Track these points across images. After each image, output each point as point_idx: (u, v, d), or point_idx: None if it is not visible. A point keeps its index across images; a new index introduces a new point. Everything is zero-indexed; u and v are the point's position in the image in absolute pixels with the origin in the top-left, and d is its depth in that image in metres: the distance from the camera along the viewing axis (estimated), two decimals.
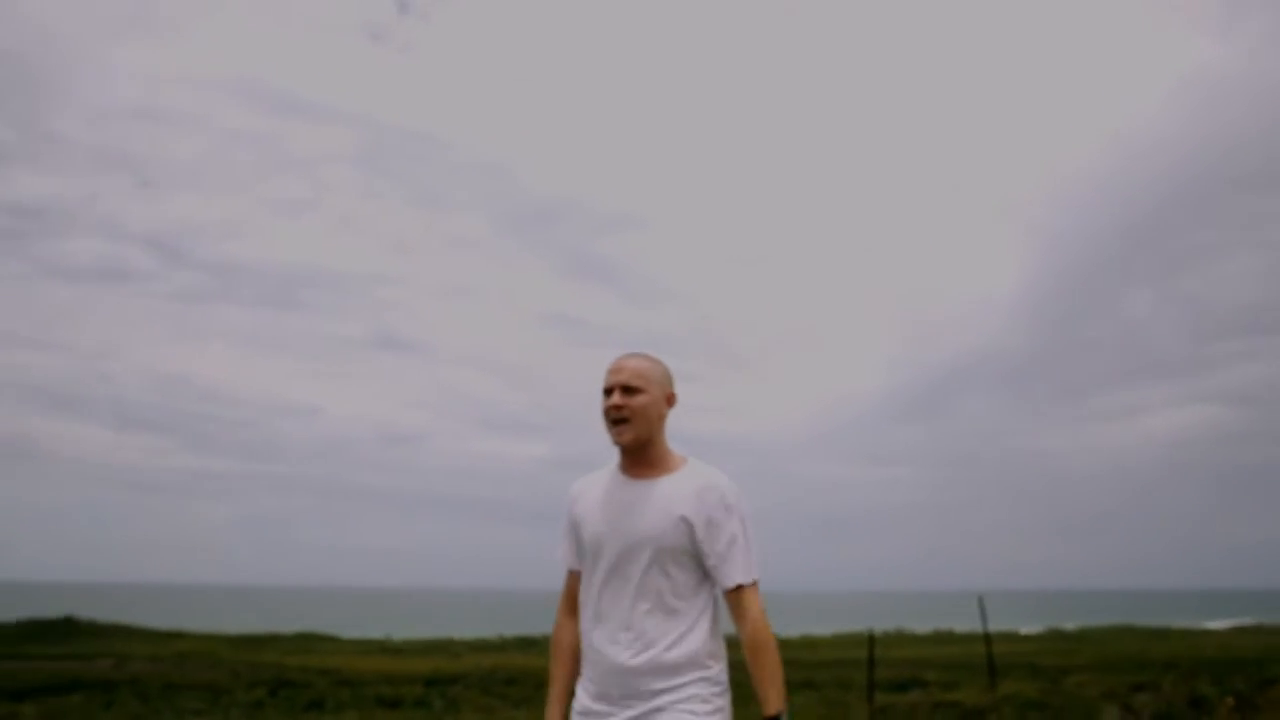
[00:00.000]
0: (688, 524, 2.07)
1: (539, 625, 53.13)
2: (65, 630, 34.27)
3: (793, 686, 22.38)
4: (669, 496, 2.10)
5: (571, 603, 2.29)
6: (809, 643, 39.89)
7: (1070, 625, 52.34)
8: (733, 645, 2.19)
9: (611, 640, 2.09)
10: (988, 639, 7.22)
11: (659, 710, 2.05)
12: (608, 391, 2.16)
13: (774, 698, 2.05)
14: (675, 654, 2.07)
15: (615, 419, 2.13)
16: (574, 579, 2.27)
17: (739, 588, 2.09)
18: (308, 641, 37.47)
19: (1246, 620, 56.66)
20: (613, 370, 2.17)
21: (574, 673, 2.28)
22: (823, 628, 48.58)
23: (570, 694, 2.29)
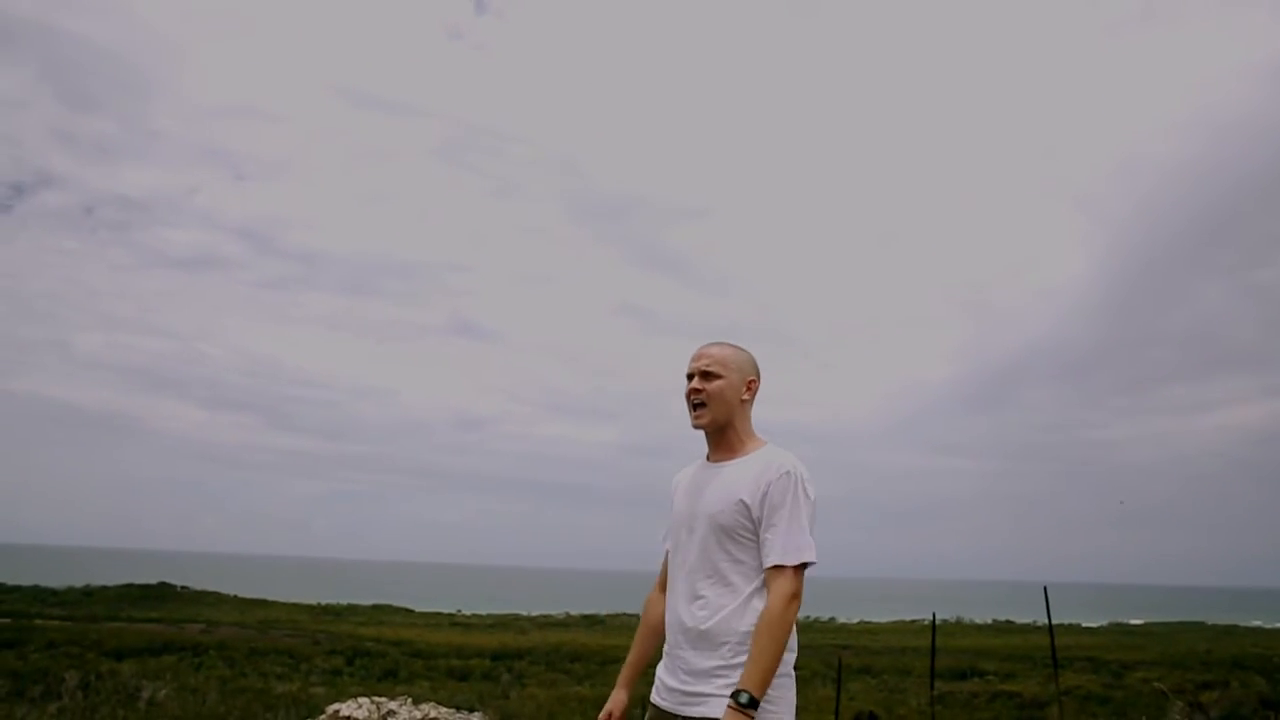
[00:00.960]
0: (744, 505, 2.13)
1: (604, 604, 54.00)
2: (161, 595, 36.03)
3: (850, 673, 22.59)
4: (734, 478, 2.18)
5: (663, 580, 2.40)
6: (869, 629, 39.91)
7: (1134, 620, 51.22)
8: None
9: (674, 606, 2.25)
10: (1051, 630, 7.34)
11: (711, 680, 2.10)
12: (689, 376, 2.26)
13: (747, 678, 2.01)
14: (723, 626, 2.11)
15: (694, 403, 2.24)
16: (667, 557, 2.38)
17: (775, 568, 2.09)
18: (383, 613, 38.69)
19: None
20: (694, 357, 2.27)
21: (654, 645, 2.38)
22: (884, 615, 48.43)
23: (646, 664, 2.40)
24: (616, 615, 44.00)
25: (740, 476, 2.17)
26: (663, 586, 2.40)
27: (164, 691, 10.37)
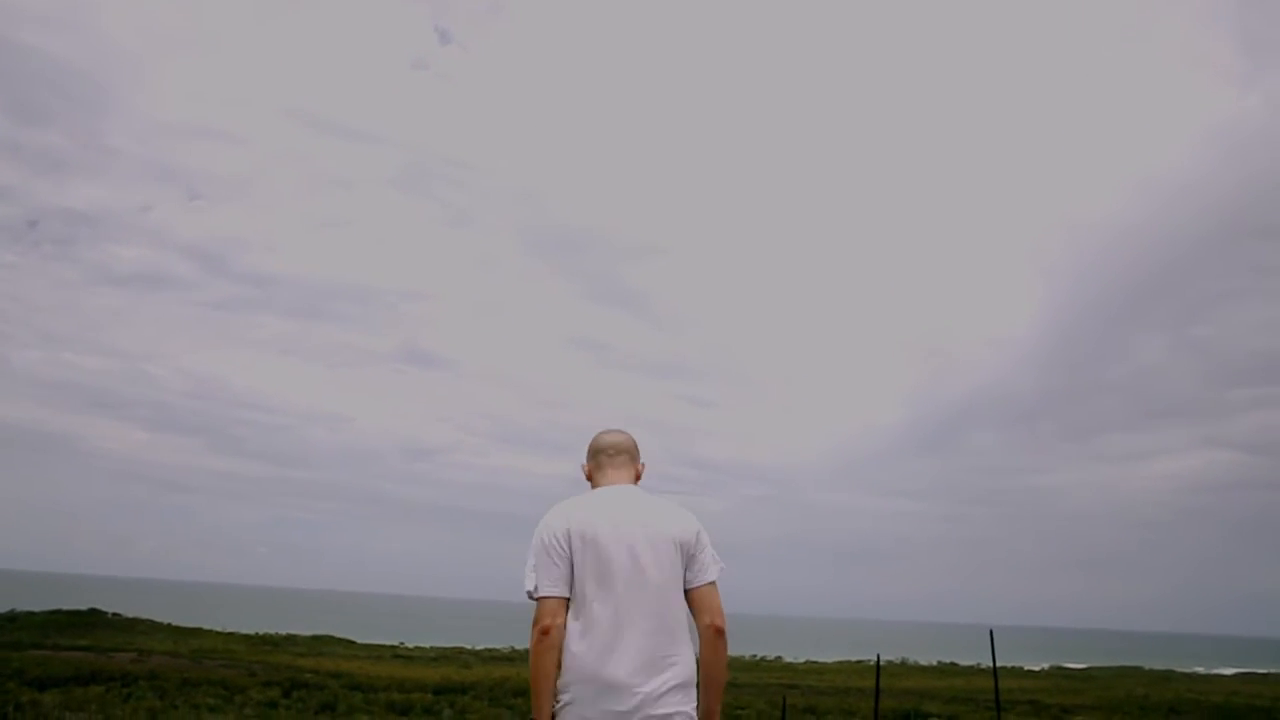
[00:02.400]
0: None
1: None
2: (90, 622, 34.76)
3: (796, 713, 22.54)
4: None
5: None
6: (815, 669, 39.88)
7: (1076, 664, 51.99)
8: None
9: None
10: (995, 673, 7.39)
11: None
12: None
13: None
14: None
15: None
16: None
17: None
18: (323, 644, 37.79)
19: (1256, 669, 56.16)
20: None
21: None
22: (831, 655, 48.50)
23: None
24: None
25: None
26: None
27: None
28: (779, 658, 46.63)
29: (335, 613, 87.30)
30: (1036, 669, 45.47)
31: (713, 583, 2.43)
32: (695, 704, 2.36)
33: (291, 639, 38.68)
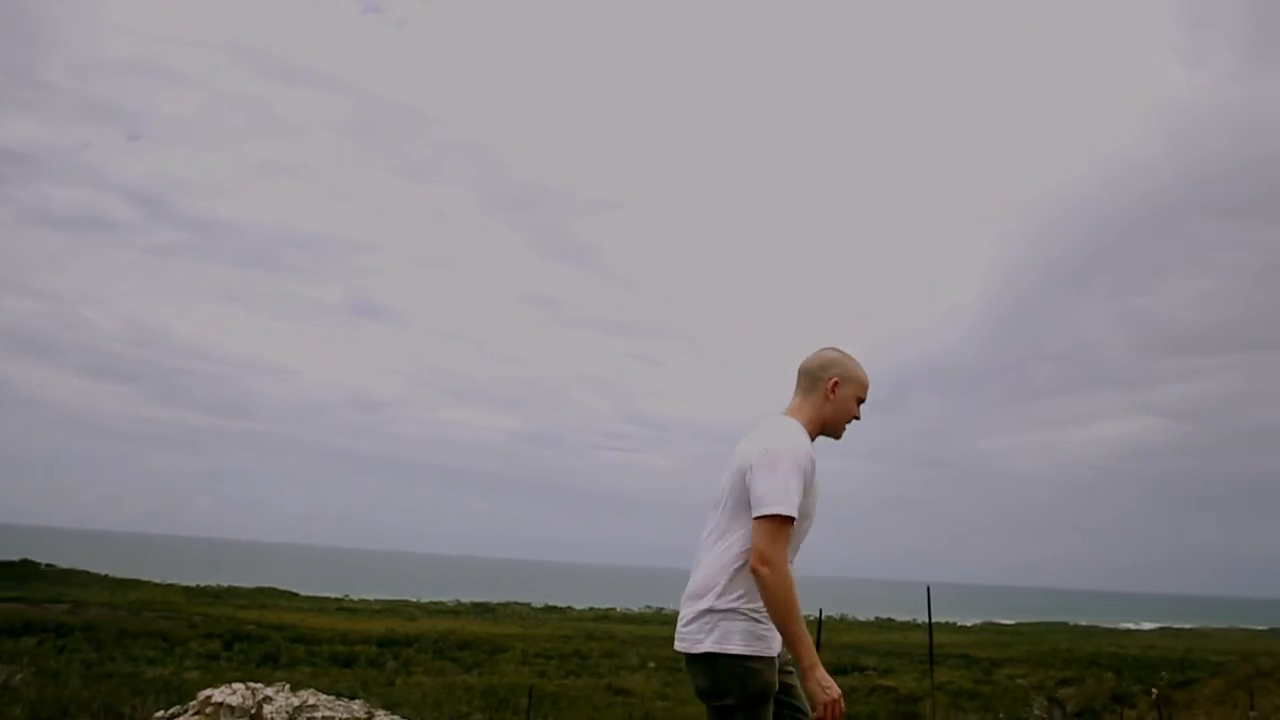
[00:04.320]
0: None
1: (496, 593, 53.62)
2: (22, 574, 33.91)
3: None
4: None
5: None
6: None
7: (1007, 620, 54.02)
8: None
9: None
10: (930, 628, 7.68)
11: None
12: (861, 403, 2.48)
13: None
14: None
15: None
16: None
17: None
18: (265, 597, 37.51)
19: (1174, 624, 59.04)
20: (867, 386, 2.49)
21: None
22: None
23: None
24: (508, 604, 43.72)
25: None
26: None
27: (20, 676, 9.78)
28: None
29: (279, 565, 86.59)
30: (970, 625, 47.10)
31: (759, 518, 2.23)
32: (717, 638, 2.26)
33: (233, 591, 38.31)
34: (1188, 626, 56.01)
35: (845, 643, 29.45)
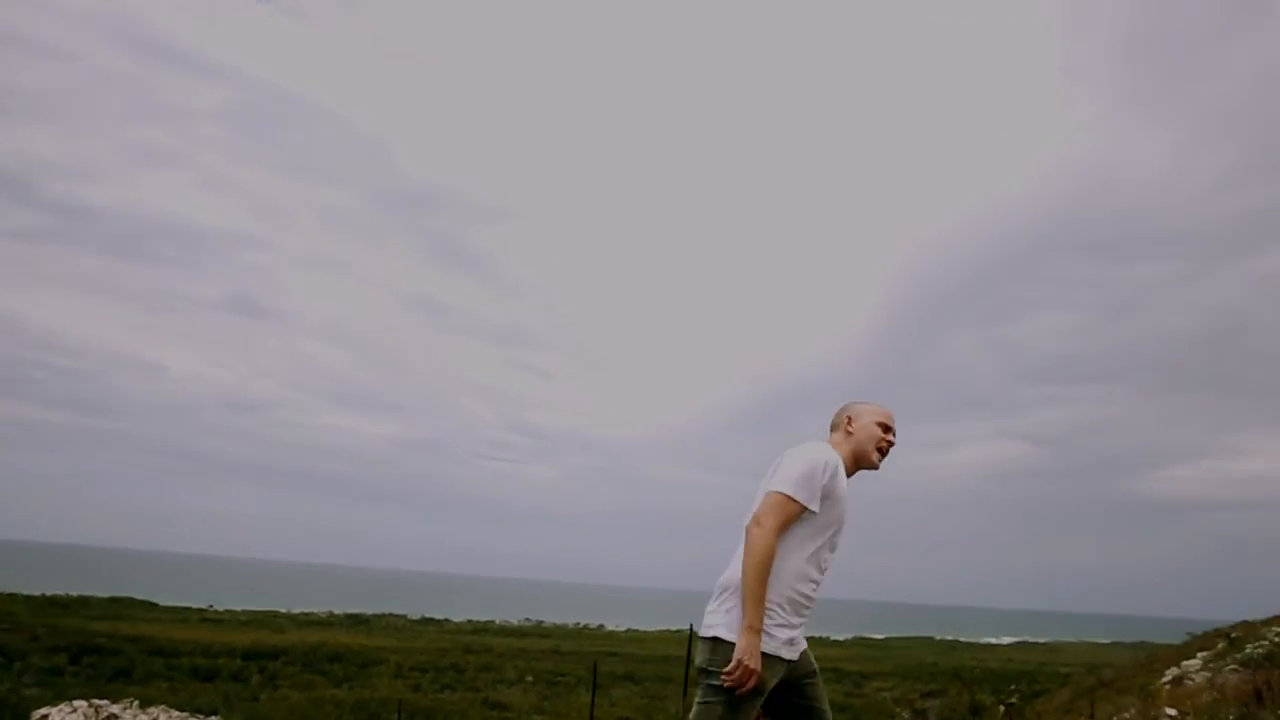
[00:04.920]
0: None
1: (370, 604, 52.05)
2: None
3: (615, 679, 23.09)
4: None
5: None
6: (636, 638, 40.95)
7: (876, 635, 55.99)
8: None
9: (819, 583, 2.61)
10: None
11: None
12: (889, 430, 2.66)
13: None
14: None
15: (886, 454, 2.68)
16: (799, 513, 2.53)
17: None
18: (121, 607, 35.33)
19: (1030, 638, 62.73)
20: (891, 419, 2.68)
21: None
22: (652, 624, 49.93)
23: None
24: (382, 616, 42.49)
25: None
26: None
27: None
28: (600, 626, 47.60)
29: (139, 573, 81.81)
30: (841, 639, 48.50)
31: (766, 493, 2.50)
32: (729, 624, 2.42)
33: (85, 601, 35.93)
34: (1042, 640, 59.57)
35: None
